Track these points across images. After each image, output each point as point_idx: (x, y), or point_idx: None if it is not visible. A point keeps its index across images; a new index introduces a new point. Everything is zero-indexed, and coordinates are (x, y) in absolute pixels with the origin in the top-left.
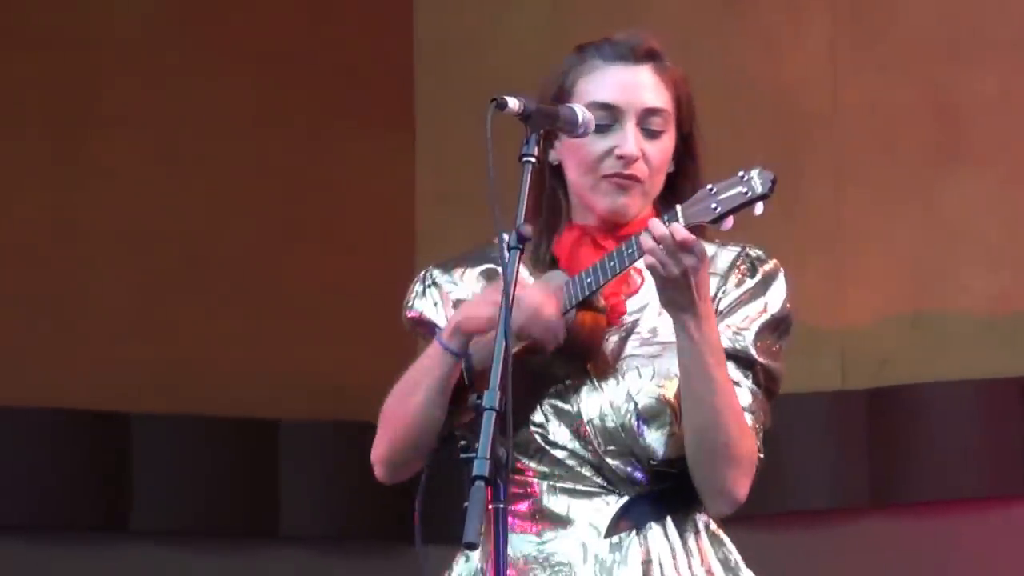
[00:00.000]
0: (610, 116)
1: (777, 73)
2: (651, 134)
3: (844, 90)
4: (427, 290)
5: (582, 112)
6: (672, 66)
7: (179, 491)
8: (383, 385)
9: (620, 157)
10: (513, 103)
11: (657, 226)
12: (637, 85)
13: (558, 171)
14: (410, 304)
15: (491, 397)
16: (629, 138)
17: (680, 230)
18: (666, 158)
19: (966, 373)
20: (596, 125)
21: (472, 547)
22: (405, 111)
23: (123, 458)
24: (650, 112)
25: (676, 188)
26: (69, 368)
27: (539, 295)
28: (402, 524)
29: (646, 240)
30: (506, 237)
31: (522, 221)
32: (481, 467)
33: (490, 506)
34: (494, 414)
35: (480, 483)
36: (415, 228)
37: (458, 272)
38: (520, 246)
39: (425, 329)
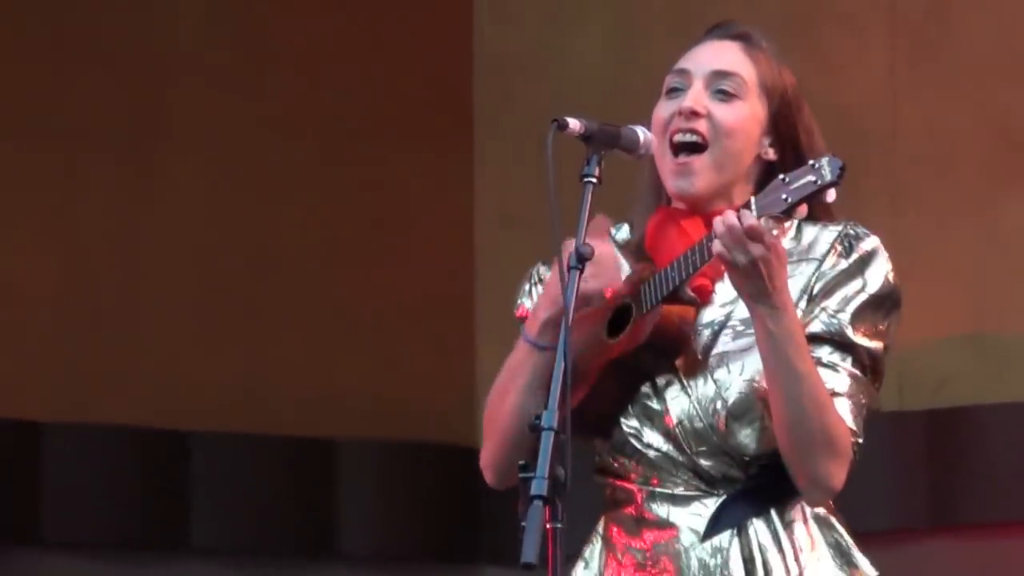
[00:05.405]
0: (682, 81)
1: (836, 94)
2: (722, 97)
3: (903, 111)
4: (533, 288)
5: (643, 133)
6: (768, 49)
7: (238, 509)
8: (442, 405)
9: (679, 112)
10: (574, 124)
11: (728, 215)
12: (713, 52)
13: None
14: (518, 301)
15: (549, 417)
16: (690, 94)
17: (748, 217)
18: (742, 126)
19: None
20: (669, 88)
21: (530, 567)
22: (464, 131)
23: (182, 476)
24: (719, 74)
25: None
26: (129, 386)
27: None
28: (460, 543)
29: (717, 227)
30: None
31: (583, 241)
32: (539, 487)
33: (548, 525)
34: (552, 434)
35: (538, 503)
36: (474, 248)
37: None
38: (580, 266)
39: None
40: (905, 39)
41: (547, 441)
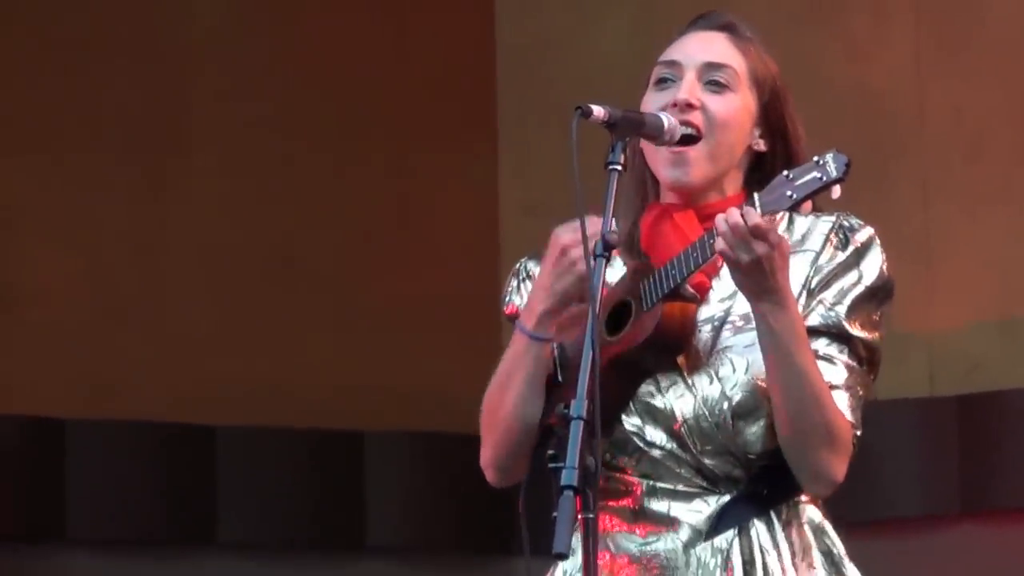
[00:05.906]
0: (673, 72)
1: (862, 79)
2: (714, 88)
3: (930, 95)
4: (521, 284)
5: (667, 119)
6: (753, 39)
7: (265, 504)
8: (468, 395)
9: (674, 104)
10: (598, 111)
11: (732, 213)
12: (702, 43)
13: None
14: (507, 299)
15: (578, 406)
16: (684, 86)
17: (753, 215)
18: (735, 117)
19: None
20: (658, 79)
21: (563, 557)
22: (488, 121)
23: (208, 471)
24: (711, 66)
25: (767, 169)
26: (154, 382)
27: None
28: (490, 534)
29: (719, 225)
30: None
31: (608, 228)
32: (570, 477)
33: (580, 516)
34: (581, 423)
35: (569, 493)
36: (499, 238)
37: None
38: (606, 254)
39: None
40: (930, 22)
41: (576, 430)
